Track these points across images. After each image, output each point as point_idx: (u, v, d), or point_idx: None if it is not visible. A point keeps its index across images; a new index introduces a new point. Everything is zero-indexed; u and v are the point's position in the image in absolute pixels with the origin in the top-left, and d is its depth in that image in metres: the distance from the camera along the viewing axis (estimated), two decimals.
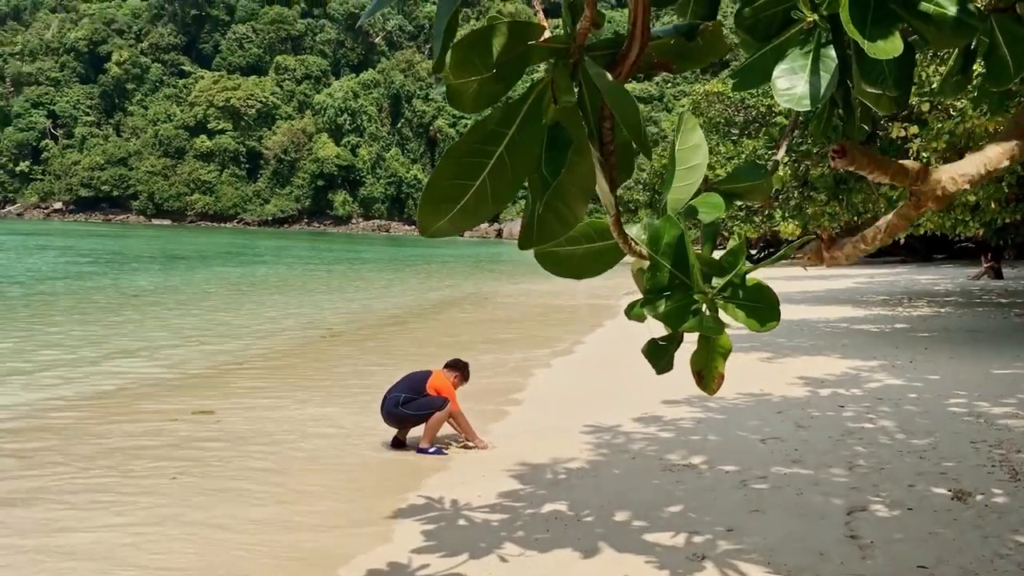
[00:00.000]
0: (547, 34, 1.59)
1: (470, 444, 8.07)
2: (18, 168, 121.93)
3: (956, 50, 2.81)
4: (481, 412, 9.37)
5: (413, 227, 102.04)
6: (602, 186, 1.71)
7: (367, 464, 7.73)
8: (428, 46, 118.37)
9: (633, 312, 2.06)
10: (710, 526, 5.64)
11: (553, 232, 1.68)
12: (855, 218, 18.74)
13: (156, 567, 5.31)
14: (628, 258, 2.14)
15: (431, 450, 7.89)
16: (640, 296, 2.12)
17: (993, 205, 14.68)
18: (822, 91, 2.30)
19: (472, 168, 1.53)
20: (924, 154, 12.85)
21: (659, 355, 2.12)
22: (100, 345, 15.32)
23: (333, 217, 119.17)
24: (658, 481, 6.76)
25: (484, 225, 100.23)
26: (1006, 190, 13.97)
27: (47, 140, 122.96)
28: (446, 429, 8.15)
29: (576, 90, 1.61)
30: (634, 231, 2.00)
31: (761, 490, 6.45)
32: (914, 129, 13.10)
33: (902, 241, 16.97)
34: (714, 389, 2.13)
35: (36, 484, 7.09)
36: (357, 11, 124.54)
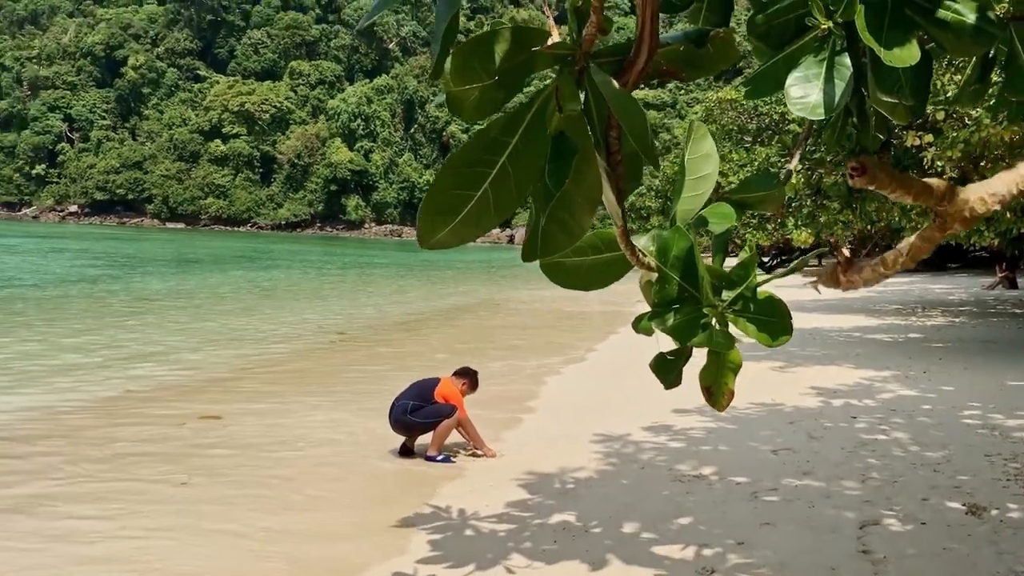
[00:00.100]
0: (556, 38, 1.55)
1: (478, 452, 8.02)
2: (34, 171, 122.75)
3: (974, 59, 2.75)
4: (494, 420, 9.33)
5: None
6: (608, 196, 1.66)
7: (375, 472, 7.68)
8: None
9: (641, 326, 2.01)
10: (720, 539, 5.57)
11: (558, 244, 1.63)
12: (868, 226, 18.61)
13: (172, 574, 5.29)
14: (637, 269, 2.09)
15: (439, 458, 7.84)
16: (648, 309, 2.07)
17: (1008, 215, 14.54)
18: (836, 100, 2.25)
19: (474, 178, 1.48)
20: (939, 163, 12.74)
21: (667, 370, 2.07)
22: (112, 349, 15.35)
23: (346, 222, 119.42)
24: (668, 492, 6.69)
25: (496, 230, 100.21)
26: (1022, 200, 13.83)
27: (63, 143, 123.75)
28: (454, 437, 8.10)
29: (582, 98, 1.56)
30: (642, 242, 1.95)
31: (772, 502, 6.37)
32: (929, 138, 12.99)
33: None
34: (724, 405, 2.07)
35: (42, 490, 7.07)
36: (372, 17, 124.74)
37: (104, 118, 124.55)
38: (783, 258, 45.21)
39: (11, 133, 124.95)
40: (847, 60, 2.29)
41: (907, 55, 2.09)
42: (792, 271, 2.16)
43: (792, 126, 19.53)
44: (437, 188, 1.47)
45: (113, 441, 8.74)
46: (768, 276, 2.09)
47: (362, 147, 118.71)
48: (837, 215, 16.92)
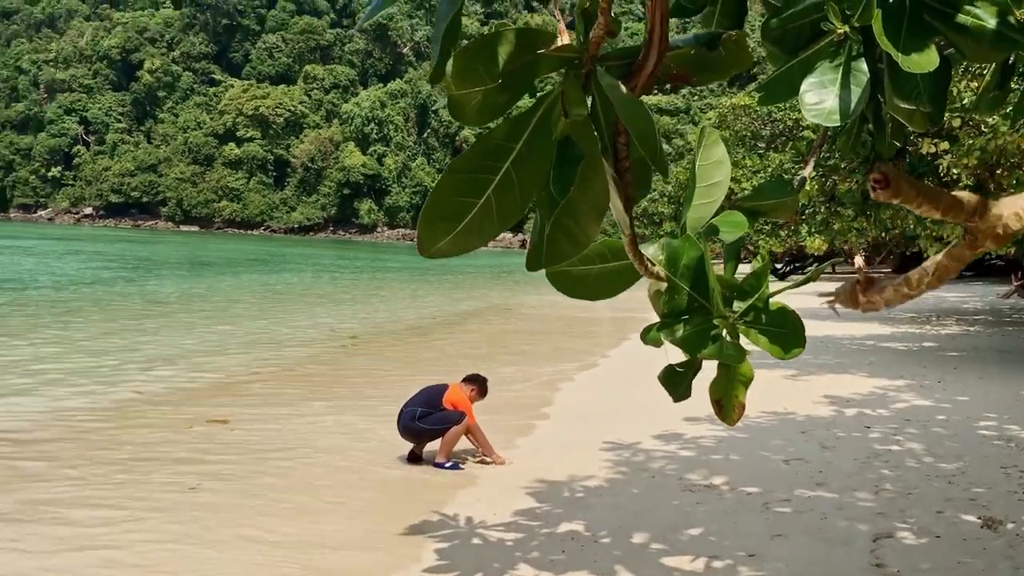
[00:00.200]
0: (565, 40, 1.49)
1: (487, 459, 7.96)
2: (50, 173, 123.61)
3: (993, 65, 2.69)
4: (508, 426, 9.29)
5: None
6: (616, 204, 1.60)
7: (383, 479, 7.63)
8: None
9: (649, 336, 1.95)
10: (730, 551, 5.49)
11: (563, 252, 1.58)
12: (883, 234, 18.48)
13: None
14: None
15: (447, 465, 7.78)
16: (657, 319, 2.02)
17: None
18: (852, 106, 2.19)
19: (476, 184, 1.43)
20: (954, 171, 12.63)
21: (676, 383, 2.01)
22: (124, 352, 15.37)
23: (358, 226, 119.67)
24: (678, 502, 6.62)
25: (508, 235, 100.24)
26: None
27: (79, 146, 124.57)
28: (463, 443, 8.05)
29: (588, 103, 1.51)
30: (651, 251, 1.89)
31: (784, 514, 6.29)
32: (944, 145, 12.89)
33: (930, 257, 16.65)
34: (735, 420, 2.02)
35: (50, 495, 7.06)
36: (386, 22, 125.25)
37: (120, 121, 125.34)
38: (796, 265, 44.99)
39: (28, 135, 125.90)
40: (863, 65, 2.23)
41: (925, 61, 2.03)
42: (807, 281, 2.10)
43: (806, 132, 19.43)
44: (438, 195, 1.42)
45: (123, 445, 8.73)
46: (782, 287, 2.03)
47: (375, 151, 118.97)
48: (851, 222, 16.82)
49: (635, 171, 1.65)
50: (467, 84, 1.36)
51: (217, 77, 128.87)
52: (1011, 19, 2.10)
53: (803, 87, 2.20)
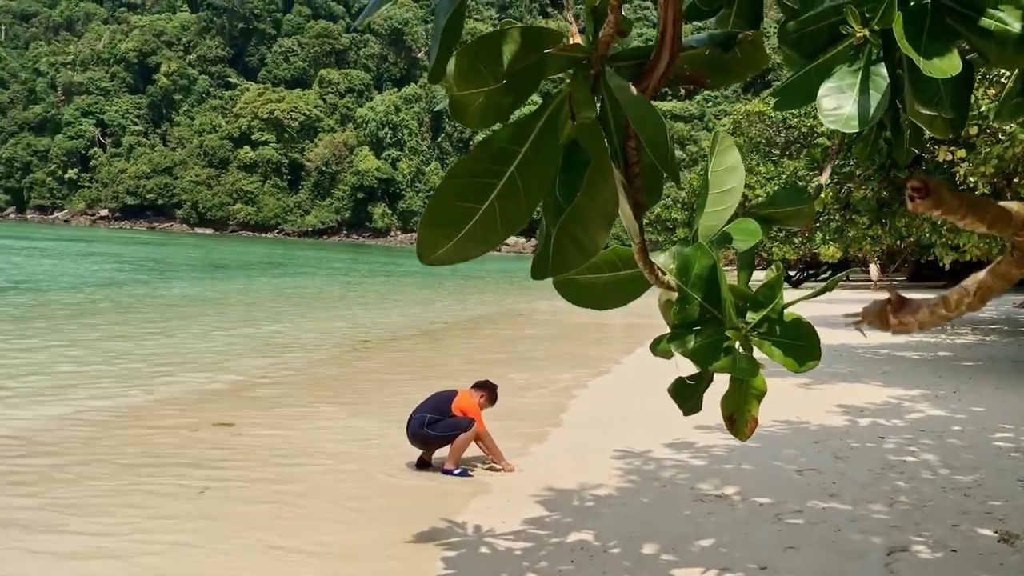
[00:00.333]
0: (577, 41, 1.43)
1: (496, 466, 7.89)
2: (67, 175, 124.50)
3: (1016, 70, 2.62)
4: (522, 433, 9.23)
5: None
6: (625, 211, 1.54)
7: (391, 486, 7.57)
8: None
9: (659, 348, 1.89)
10: (742, 563, 5.41)
11: (570, 260, 1.52)
12: (898, 242, 18.33)
13: None
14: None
15: (456, 472, 7.72)
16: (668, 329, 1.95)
17: None
18: (871, 112, 2.13)
19: (479, 189, 1.37)
20: (971, 179, 12.50)
21: (687, 395, 1.95)
22: (137, 355, 15.38)
23: (372, 229, 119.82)
24: (689, 512, 6.53)
25: (521, 240, 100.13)
26: None
27: (95, 148, 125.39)
28: (473, 450, 7.98)
29: (597, 105, 1.44)
30: (661, 260, 1.83)
31: (796, 525, 6.20)
32: (961, 153, 12.76)
33: (946, 266, 16.54)
34: (747, 435, 1.95)
35: (58, 501, 7.04)
36: (400, 26, 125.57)
37: (136, 124, 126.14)
38: (810, 272, 44.75)
39: (45, 137, 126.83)
40: (883, 70, 2.17)
41: (947, 65, 1.96)
42: (823, 291, 2.03)
43: (821, 139, 19.31)
44: (439, 200, 1.36)
45: (132, 448, 8.71)
46: (797, 297, 1.97)
47: (389, 155, 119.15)
48: (866, 230, 16.69)
49: (646, 177, 1.59)
50: (470, 84, 1.30)
51: (233, 80, 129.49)
52: None
53: (821, 92, 2.14)
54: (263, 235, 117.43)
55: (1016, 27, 2.03)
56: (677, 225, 36.60)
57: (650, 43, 1.55)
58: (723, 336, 1.82)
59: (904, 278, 42.88)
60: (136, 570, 5.45)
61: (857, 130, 2.15)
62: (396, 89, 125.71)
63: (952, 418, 10.20)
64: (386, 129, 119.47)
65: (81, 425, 9.71)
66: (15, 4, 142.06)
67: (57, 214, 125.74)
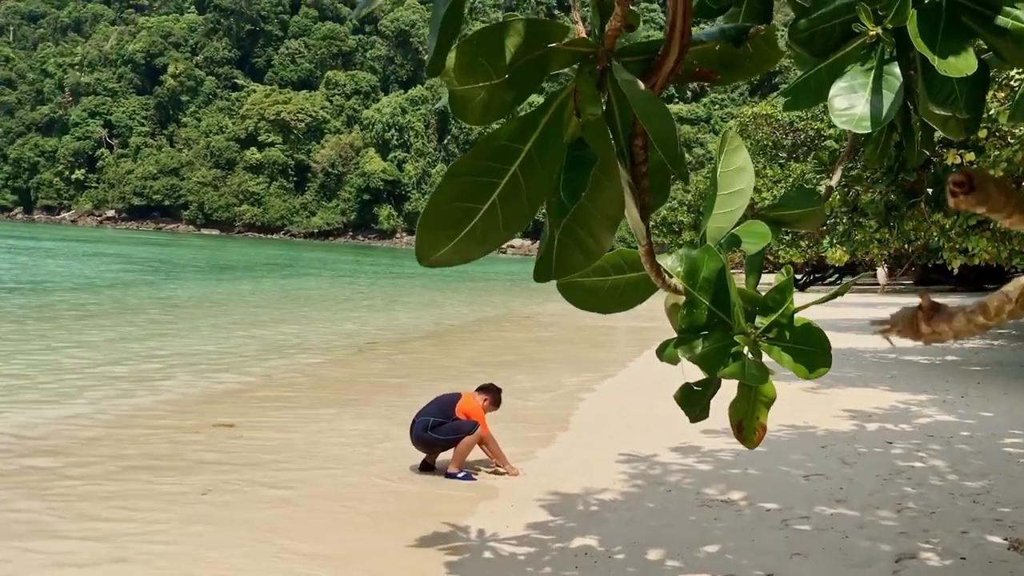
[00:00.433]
0: (582, 32, 1.38)
1: (500, 470, 7.84)
2: (74, 176, 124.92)
3: None
4: (529, 438, 9.18)
5: None
6: (631, 212, 1.49)
7: (396, 490, 7.52)
8: None
9: (666, 353, 1.84)
10: (748, 570, 5.34)
11: (574, 263, 1.46)
12: (905, 245, 18.22)
13: None
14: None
15: (460, 475, 7.67)
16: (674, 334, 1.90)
17: None
18: (884, 112, 2.08)
19: (480, 189, 1.31)
20: None
21: (693, 402, 1.90)
22: (142, 356, 15.37)
23: (377, 231, 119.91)
24: (695, 517, 6.47)
25: (526, 242, 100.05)
26: None
27: (102, 149, 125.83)
28: (476, 454, 7.93)
29: (603, 101, 1.39)
30: (668, 262, 1.78)
31: (803, 531, 6.13)
32: (970, 156, 12.67)
33: (954, 270, 16.45)
34: (755, 443, 1.90)
35: (58, 506, 7.01)
36: (407, 28, 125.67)
37: (143, 125, 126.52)
38: (816, 276, 44.60)
39: (52, 138, 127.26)
40: (896, 69, 2.11)
41: (963, 64, 1.91)
42: (834, 296, 1.98)
43: (828, 142, 19.21)
44: (439, 199, 1.31)
45: (133, 450, 8.68)
46: (807, 302, 1.92)
47: (395, 157, 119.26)
48: (873, 234, 16.58)
49: (653, 177, 1.54)
50: (471, 79, 1.25)
51: (240, 82, 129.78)
52: None
53: (832, 91, 2.09)
54: (269, 236, 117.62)
55: None
56: (683, 228, 36.44)
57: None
58: (732, 341, 1.77)
59: (911, 282, 42.71)
60: (137, 571, 5.41)
61: (869, 131, 2.11)
62: (402, 91, 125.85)
63: (960, 423, 10.11)
64: (392, 131, 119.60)
65: (83, 426, 9.68)
66: (23, 5, 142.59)
67: (64, 215, 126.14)
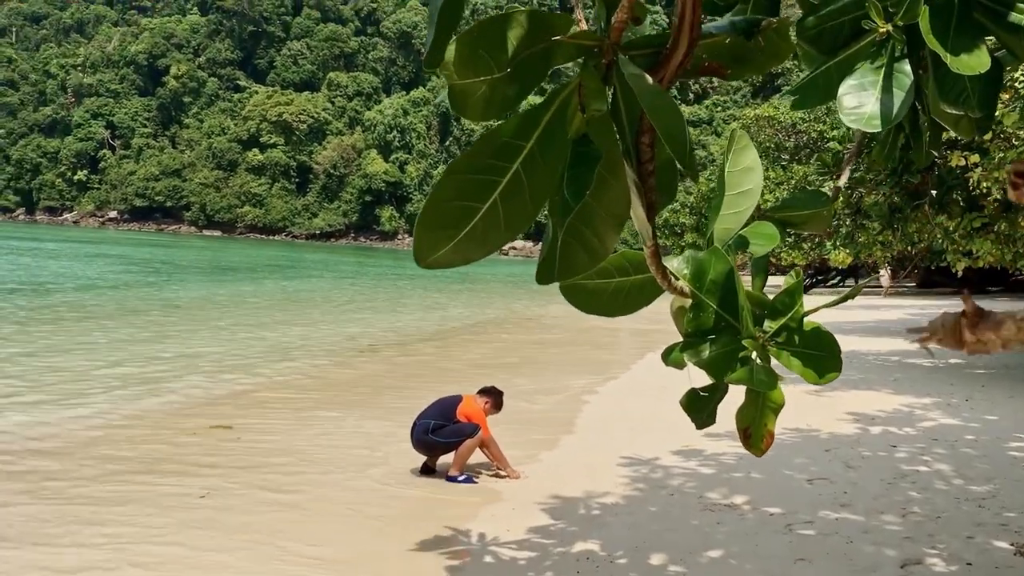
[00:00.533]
0: (584, 26, 1.33)
1: (502, 473, 7.79)
2: (76, 177, 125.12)
3: None
4: (533, 440, 9.12)
5: None
6: (637, 212, 1.44)
7: (396, 493, 7.47)
8: None
9: (671, 358, 1.79)
10: (751, 575, 5.29)
11: (578, 265, 1.41)
12: (908, 248, 18.16)
13: None
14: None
15: (461, 478, 7.61)
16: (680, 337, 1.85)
17: None
18: (895, 111, 2.03)
19: (481, 187, 1.26)
20: (984, 184, 12.37)
21: (699, 407, 1.85)
22: (144, 358, 15.33)
23: (379, 233, 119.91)
24: (697, 521, 6.42)
25: (529, 244, 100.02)
26: None
27: (105, 150, 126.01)
28: (478, 457, 7.88)
29: (609, 96, 1.34)
30: (675, 264, 1.73)
31: (807, 536, 6.07)
32: (975, 158, 12.62)
33: (958, 273, 16.36)
34: (763, 450, 1.85)
35: (56, 512, 6.97)
36: (409, 30, 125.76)
37: (145, 126, 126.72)
38: (819, 278, 44.53)
39: (55, 139, 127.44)
40: (907, 67, 2.06)
41: (976, 62, 1.86)
42: (845, 300, 1.93)
43: (832, 144, 19.16)
44: (438, 198, 1.26)
45: (136, 452, 8.64)
46: (818, 305, 1.86)
47: (397, 159, 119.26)
48: (877, 236, 16.52)
49: (659, 176, 1.49)
50: (471, 73, 1.20)
51: (242, 83, 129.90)
52: None
53: (841, 90, 2.04)
54: (271, 238, 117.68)
55: None
56: (686, 230, 36.39)
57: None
58: (739, 346, 1.71)
59: (914, 284, 42.64)
60: (138, 573, 5.37)
61: (879, 129, 2.06)
62: (404, 92, 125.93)
63: (965, 427, 10.05)
64: (394, 132, 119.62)
65: (84, 427, 9.64)
66: (26, 6, 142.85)
67: (66, 215, 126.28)
